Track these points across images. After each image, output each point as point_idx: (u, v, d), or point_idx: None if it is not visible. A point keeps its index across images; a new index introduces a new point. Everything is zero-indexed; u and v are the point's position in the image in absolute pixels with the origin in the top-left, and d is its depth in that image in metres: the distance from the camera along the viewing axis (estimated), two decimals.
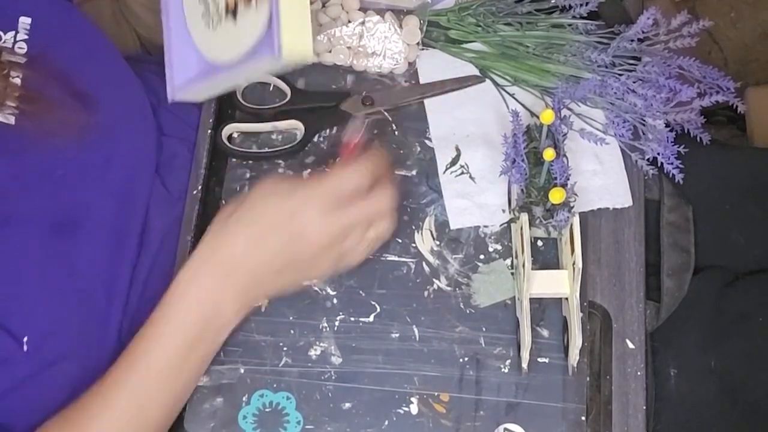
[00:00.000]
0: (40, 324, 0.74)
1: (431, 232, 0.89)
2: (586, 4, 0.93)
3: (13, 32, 0.79)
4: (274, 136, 0.94)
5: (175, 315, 0.76)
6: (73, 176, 0.79)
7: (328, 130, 0.94)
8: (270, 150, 0.92)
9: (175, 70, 0.85)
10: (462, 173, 0.91)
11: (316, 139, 0.93)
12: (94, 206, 0.80)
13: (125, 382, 0.74)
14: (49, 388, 0.75)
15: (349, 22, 0.95)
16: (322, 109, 0.93)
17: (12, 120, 0.75)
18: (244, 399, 0.84)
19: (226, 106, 0.94)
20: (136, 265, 0.82)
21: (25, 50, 0.79)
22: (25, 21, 0.80)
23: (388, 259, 0.88)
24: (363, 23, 0.95)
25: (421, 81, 0.95)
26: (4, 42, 0.78)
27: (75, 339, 0.76)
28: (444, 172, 0.91)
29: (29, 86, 0.76)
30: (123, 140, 0.85)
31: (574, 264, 0.80)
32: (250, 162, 0.92)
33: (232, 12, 0.80)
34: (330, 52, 0.95)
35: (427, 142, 0.93)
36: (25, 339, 0.73)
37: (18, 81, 0.76)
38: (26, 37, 0.79)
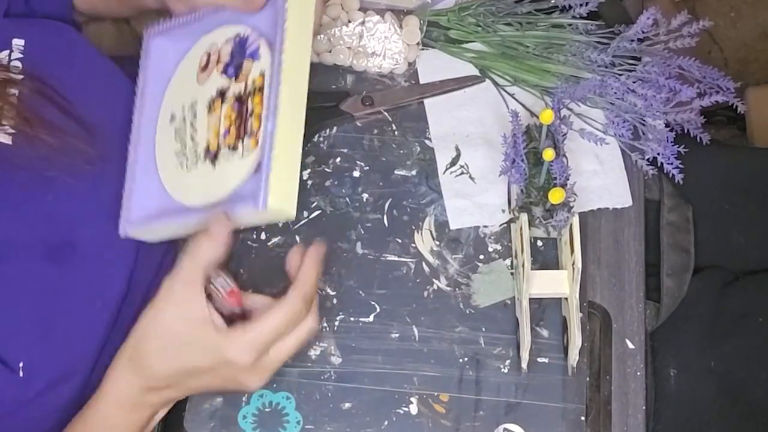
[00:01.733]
0: (36, 349, 0.73)
1: (431, 232, 0.89)
2: (586, 4, 0.93)
3: (8, 51, 0.78)
4: None
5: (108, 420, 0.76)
6: (64, 201, 0.78)
7: (328, 130, 0.94)
8: None
9: (134, 203, 0.80)
10: (462, 173, 0.91)
11: (316, 139, 0.93)
12: (86, 230, 0.79)
13: None
14: (45, 411, 0.75)
15: (349, 22, 0.95)
16: (322, 109, 0.93)
17: (9, 140, 0.74)
18: (243, 399, 0.84)
19: None
20: (132, 278, 0.81)
21: (20, 68, 0.77)
22: (18, 42, 0.79)
23: (388, 259, 0.88)
24: (363, 23, 0.95)
25: (421, 81, 0.95)
26: None
27: (73, 360, 0.76)
28: (444, 172, 0.91)
29: (26, 104, 0.75)
30: (116, 160, 0.83)
31: (573, 264, 0.80)
32: None
33: (212, 156, 0.77)
34: (330, 52, 0.95)
35: (427, 142, 0.93)
36: (21, 365, 0.72)
37: (15, 99, 0.74)
38: (20, 56, 0.78)
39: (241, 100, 0.77)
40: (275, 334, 0.72)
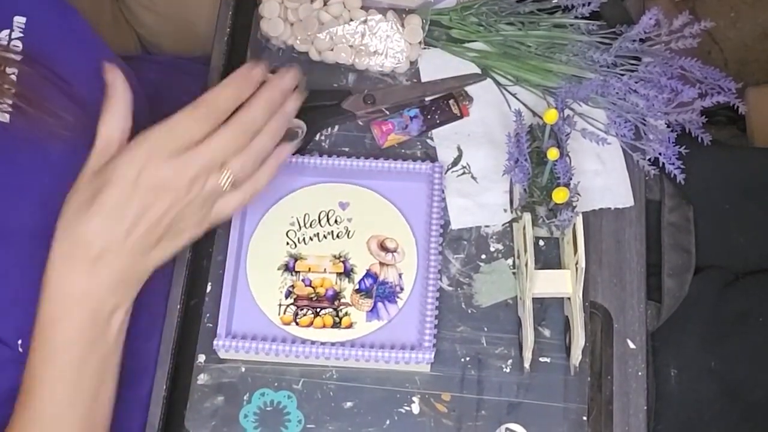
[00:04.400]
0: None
1: None
2: (588, 4, 0.93)
3: (8, 30, 0.78)
4: None
5: (53, 331, 0.70)
6: (62, 183, 0.77)
7: (329, 129, 0.93)
8: None
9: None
10: (464, 173, 0.91)
11: (318, 137, 0.93)
12: None
13: (31, 413, 0.71)
14: None
15: (351, 20, 0.95)
16: (324, 107, 0.93)
17: (6, 118, 0.74)
18: (245, 398, 0.83)
19: None
20: None
21: (21, 48, 0.77)
22: (19, 20, 0.78)
23: None
24: (365, 22, 0.94)
25: (423, 80, 0.95)
26: None
27: None
28: (446, 172, 0.91)
29: (25, 83, 0.75)
30: None
31: (576, 264, 0.80)
32: None
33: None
34: (332, 50, 0.95)
35: (428, 141, 0.93)
36: (20, 342, 0.72)
37: (14, 78, 0.75)
38: (21, 35, 0.78)
39: (337, 296, 0.85)
40: (190, 123, 0.69)
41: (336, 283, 0.85)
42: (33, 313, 0.73)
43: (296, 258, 0.86)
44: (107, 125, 0.71)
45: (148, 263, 0.73)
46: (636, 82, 0.89)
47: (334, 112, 0.93)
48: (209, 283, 0.88)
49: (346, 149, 0.92)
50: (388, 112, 0.94)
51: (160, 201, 0.69)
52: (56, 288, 0.69)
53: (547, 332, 0.85)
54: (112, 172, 0.69)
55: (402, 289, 0.85)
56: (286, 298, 0.85)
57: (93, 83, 0.82)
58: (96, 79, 0.82)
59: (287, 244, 0.87)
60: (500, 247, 0.88)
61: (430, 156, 0.92)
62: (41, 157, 0.76)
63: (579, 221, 0.79)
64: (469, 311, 0.86)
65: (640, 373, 0.84)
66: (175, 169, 0.69)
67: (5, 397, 0.73)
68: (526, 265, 0.80)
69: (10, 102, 0.74)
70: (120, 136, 0.71)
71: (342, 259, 0.86)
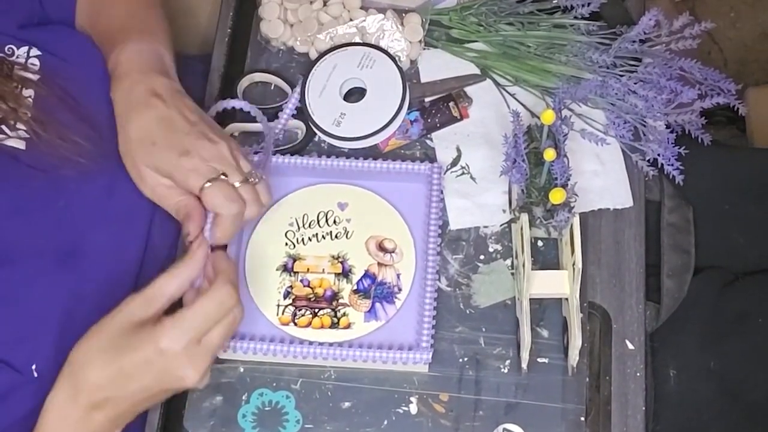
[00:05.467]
0: (50, 352, 0.73)
1: None
2: (588, 4, 0.93)
3: (27, 48, 0.78)
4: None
5: None
6: (75, 207, 0.78)
7: None
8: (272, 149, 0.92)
9: None
10: (463, 173, 0.91)
11: (317, 138, 0.93)
12: (95, 236, 0.79)
13: None
14: None
15: (351, 20, 0.95)
16: None
17: (23, 145, 0.74)
18: (243, 398, 0.84)
19: None
20: (138, 285, 0.81)
21: (38, 67, 0.78)
22: (34, 50, 0.80)
23: None
24: (365, 22, 0.94)
25: (422, 80, 0.95)
26: (17, 57, 0.77)
27: None
28: (445, 172, 0.91)
29: (41, 106, 0.75)
30: (124, 169, 0.84)
31: (574, 264, 0.80)
32: None
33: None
34: None
35: (428, 142, 0.93)
36: (34, 367, 0.72)
37: (30, 101, 0.75)
38: (39, 53, 0.78)
39: (335, 296, 0.85)
40: (206, 322, 0.70)
41: (334, 283, 0.85)
42: (47, 338, 0.73)
43: (295, 258, 0.86)
44: (167, 284, 0.72)
45: (137, 412, 0.74)
46: (635, 83, 0.89)
47: None
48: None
49: (345, 150, 0.92)
50: None
51: (171, 376, 0.71)
52: (50, 427, 0.70)
53: (545, 333, 0.85)
54: (148, 343, 0.69)
55: (400, 289, 0.85)
56: (285, 298, 0.85)
57: (102, 100, 0.82)
58: (104, 97, 0.82)
59: (286, 244, 0.87)
60: (499, 247, 0.88)
61: (429, 156, 0.92)
62: (57, 184, 0.76)
63: (576, 222, 0.79)
64: (468, 312, 0.86)
65: (638, 374, 0.84)
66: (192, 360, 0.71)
67: (19, 422, 0.73)
68: (524, 265, 0.80)
69: (26, 128, 0.74)
70: (172, 298, 0.72)
71: (340, 260, 0.86)
